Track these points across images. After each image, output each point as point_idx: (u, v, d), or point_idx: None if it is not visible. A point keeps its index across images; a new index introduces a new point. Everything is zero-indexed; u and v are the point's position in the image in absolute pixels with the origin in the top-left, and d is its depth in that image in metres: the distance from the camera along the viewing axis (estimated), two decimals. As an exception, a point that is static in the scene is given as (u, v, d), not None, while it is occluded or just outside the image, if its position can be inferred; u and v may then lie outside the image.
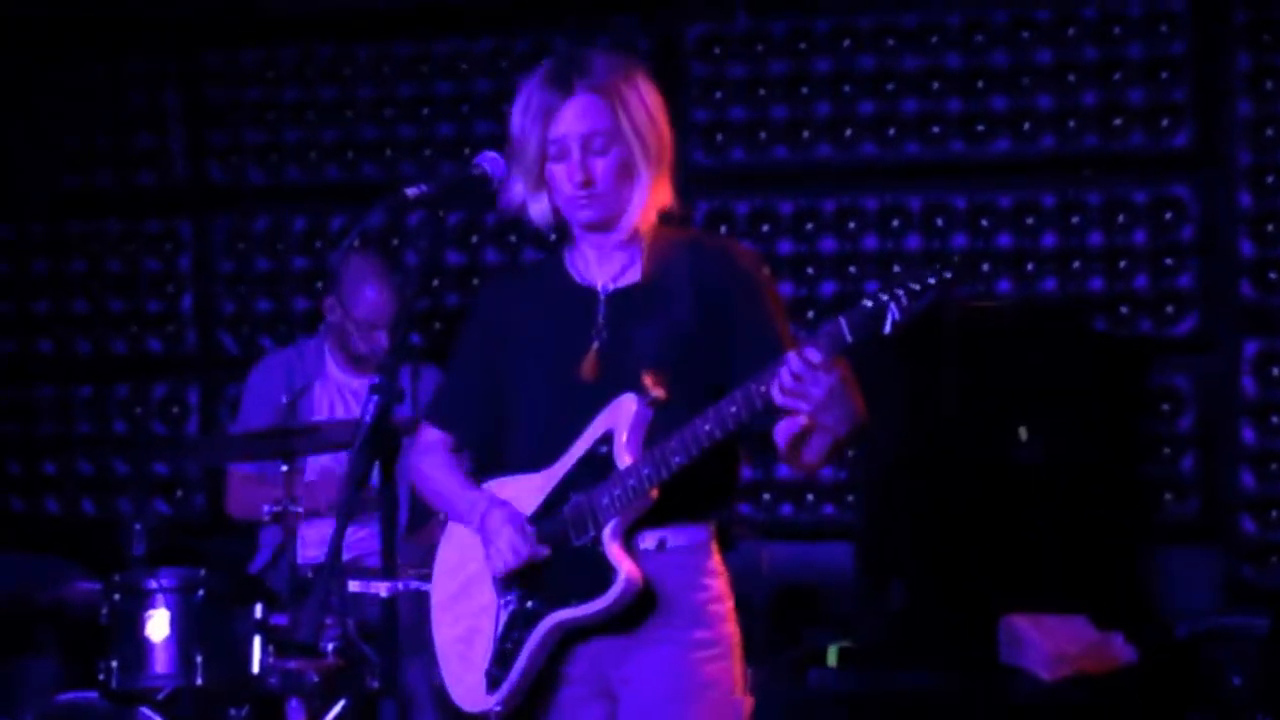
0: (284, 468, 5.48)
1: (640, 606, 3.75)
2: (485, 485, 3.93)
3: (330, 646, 5.35)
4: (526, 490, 3.86)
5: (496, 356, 3.93)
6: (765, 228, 6.82)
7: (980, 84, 6.67)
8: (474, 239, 7.03)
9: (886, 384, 6.07)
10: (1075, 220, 6.60)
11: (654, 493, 3.68)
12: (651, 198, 3.82)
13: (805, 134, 6.82)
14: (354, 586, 5.21)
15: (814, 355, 3.42)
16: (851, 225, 6.77)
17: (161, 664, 5.40)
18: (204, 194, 7.35)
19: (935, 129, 6.71)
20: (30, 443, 7.43)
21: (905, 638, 5.82)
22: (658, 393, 3.71)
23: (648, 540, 3.78)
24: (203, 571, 5.51)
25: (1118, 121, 6.57)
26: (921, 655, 5.72)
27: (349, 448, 4.54)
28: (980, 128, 6.68)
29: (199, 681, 5.37)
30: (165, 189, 7.37)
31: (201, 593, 5.42)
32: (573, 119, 3.77)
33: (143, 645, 5.41)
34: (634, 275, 3.87)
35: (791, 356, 3.44)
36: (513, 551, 3.78)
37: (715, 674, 3.80)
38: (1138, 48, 6.54)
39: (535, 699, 3.85)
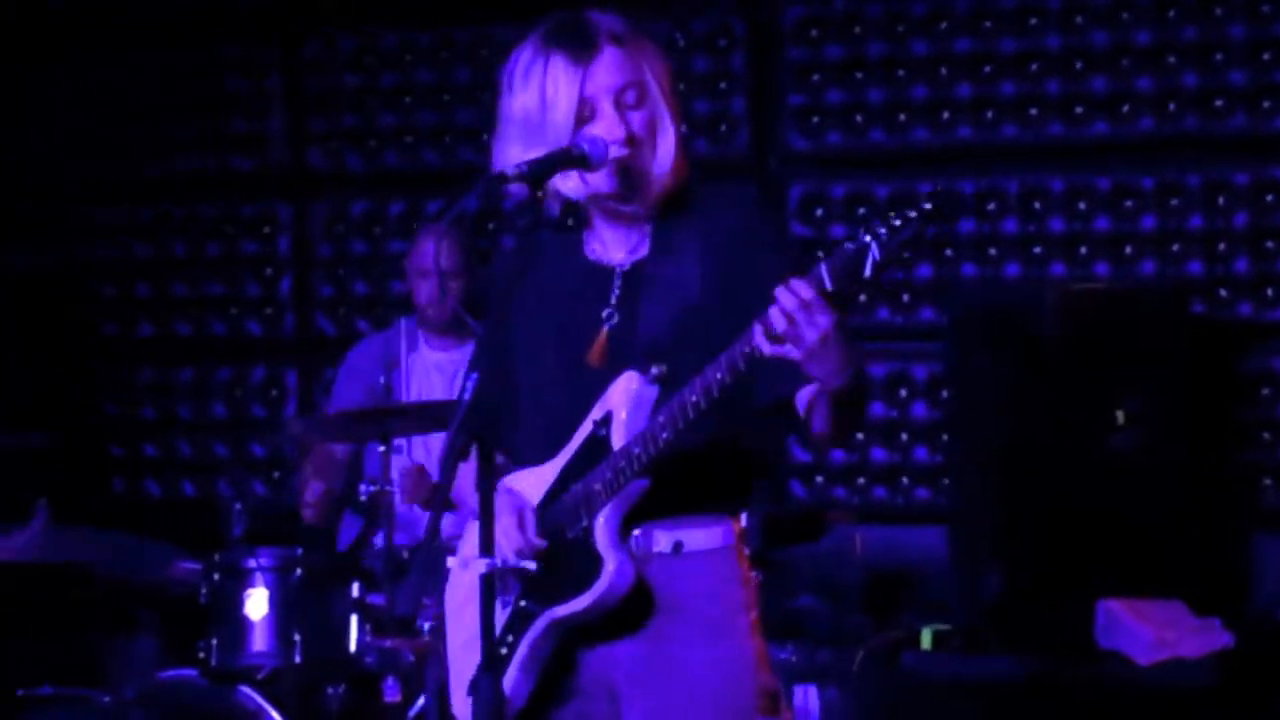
0: (381, 448, 5.52)
1: (642, 606, 3.52)
2: (502, 481, 3.59)
3: (426, 625, 5.38)
4: (535, 482, 3.61)
5: (508, 342, 3.68)
6: (861, 211, 6.80)
7: (1079, 65, 6.62)
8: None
9: (983, 366, 6.06)
10: (1175, 203, 6.55)
11: (645, 476, 3.43)
12: (678, 161, 3.57)
13: (902, 117, 6.80)
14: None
15: (805, 290, 3.15)
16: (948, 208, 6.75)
17: (260, 642, 5.45)
18: (303, 178, 7.41)
19: (1033, 111, 6.67)
20: (132, 425, 7.51)
21: (1000, 621, 5.79)
22: (660, 368, 3.47)
23: (662, 542, 3.53)
24: (300, 551, 5.56)
25: (1219, 103, 6.50)
26: (1017, 639, 5.69)
27: (445, 427, 4.58)
28: (1079, 110, 6.63)
29: (297, 660, 5.42)
30: (264, 173, 7.44)
31: (299, 572, 5.47)
32: (604, 74, 3.53)
33: (242, 624, 5.47)
34: (643, 250, 3.62)
35: (781, 292, 3.16)
36: (505, 538, 3.48)
37: (730, 693, 3.52)
38: (1240, 29, 6.47)
39: (542, 710, 3.58)
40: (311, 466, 6.20)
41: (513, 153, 3.55)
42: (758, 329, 3.23)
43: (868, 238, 3.11)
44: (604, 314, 3.60)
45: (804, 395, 3.46)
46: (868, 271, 3.11)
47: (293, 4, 7.34)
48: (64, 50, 7.34)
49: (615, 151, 3.52)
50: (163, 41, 7.39)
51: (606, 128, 3.52)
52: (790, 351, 3.20)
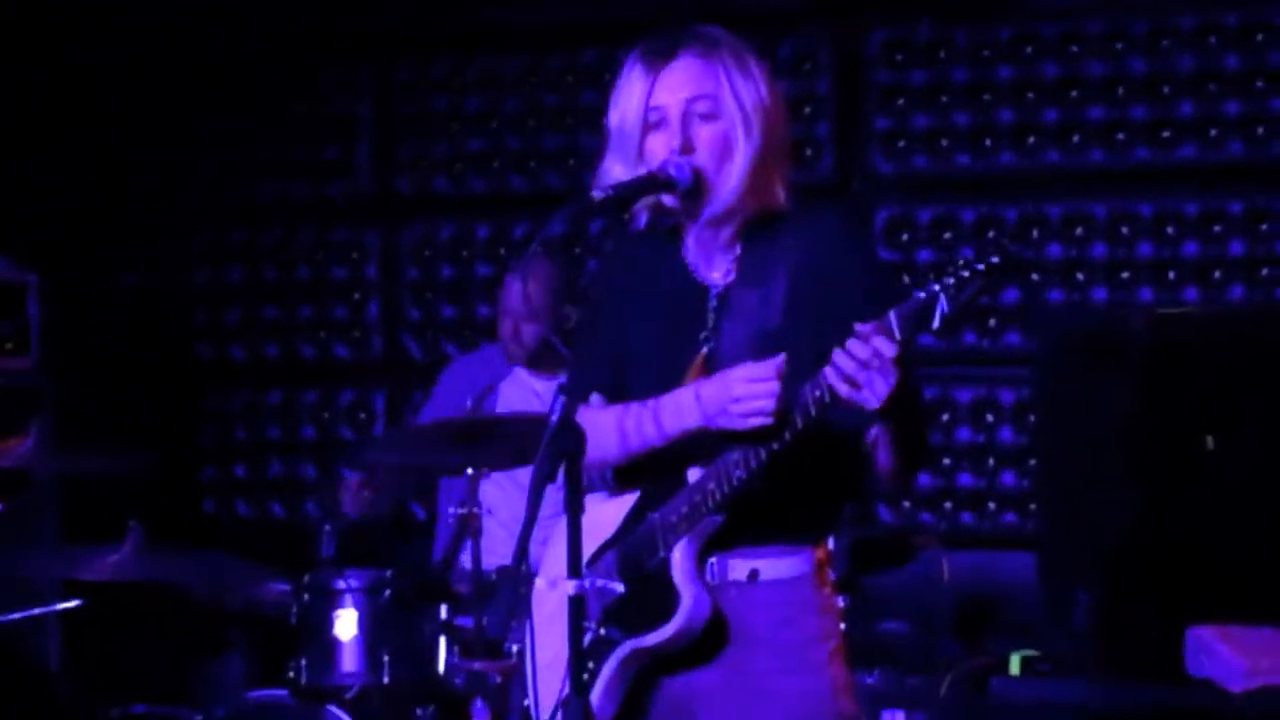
0: (469, 470, 5.54)
1: (719, 635, 3.52)
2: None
3: (514, 648, 5.40)
4: (615, 508, 3.63)
5: (615, 349, 3.66)
6: (947, 235, 6.79)
7: (1166, 90, 6.59)
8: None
9: (1070, 391, 6.03)
10: (1264, 227, 6.52)
11: (721, 511, 3.44)
12: (750, 183, 3.50)
13: (988, 141, 6.79)
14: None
15: (877, 340, 3.17)
16: (1035, 233, 6.72)
17: (349, 663, 5.50)
18: (391, 203, 7.46)
19: (1120, 135, 6.65)
20: (223, 447, 7.58)
21: (1089, 647, 5.76)
22: None
23: (738, 570, 3.52)
24: (389, 572, 5.60)
25: (1308, 128, 6.48)
26: (1106, 665, 5.66)
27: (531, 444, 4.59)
28: (1165, 134, 6.60)
29: (385, 680, 5.46)
30: (353, 198, 7.49)
31: (388, 593, 5.52)
32: (675, 82, 3.50)
33: (331, 644, 5.51)
34: (733, 274, 3.59)
35: (853, 342, 3.19)
36: (763, 393, 3.36)
37: None
38: (1334, 54, 6.46)
39: None
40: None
41: (608, 164, 3.57)
42: (828, 374, 3.24)
43: (937, 288, 3.13)
44: (700, 336, 3.58)
45: (870, 434, 3.46)
46: (936, 323, 3.14)
47: (383, 30, 7.39)
48: (158, 80, 7.42)
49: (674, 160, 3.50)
50: (252, 67, 7.45)
51: (666, 136, 3.52)
52: (857, 397, 3.22)
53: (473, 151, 7.32)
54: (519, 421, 5.60)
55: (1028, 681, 5.69)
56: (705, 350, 3.57)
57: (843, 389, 3.23)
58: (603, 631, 3.58)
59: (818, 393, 3.29)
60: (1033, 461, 6.64)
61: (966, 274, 3.11)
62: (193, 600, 6.31)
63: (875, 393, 3.21)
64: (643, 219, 3.62)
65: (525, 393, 6.20)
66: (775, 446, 3.37)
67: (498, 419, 5.81)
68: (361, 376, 7.48)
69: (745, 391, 3.38)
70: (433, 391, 6.44)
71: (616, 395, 3.66)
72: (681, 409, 3.48)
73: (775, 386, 3.36)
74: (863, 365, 3.19)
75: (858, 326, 3.20)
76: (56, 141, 7.29)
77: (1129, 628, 5.74)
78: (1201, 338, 6.02)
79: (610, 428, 3.57)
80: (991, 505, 6.77)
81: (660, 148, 3.52)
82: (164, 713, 5.76)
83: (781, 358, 3.37)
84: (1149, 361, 5.92)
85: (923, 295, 3.14)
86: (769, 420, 3.36)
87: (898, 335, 3.16)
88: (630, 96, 3.56)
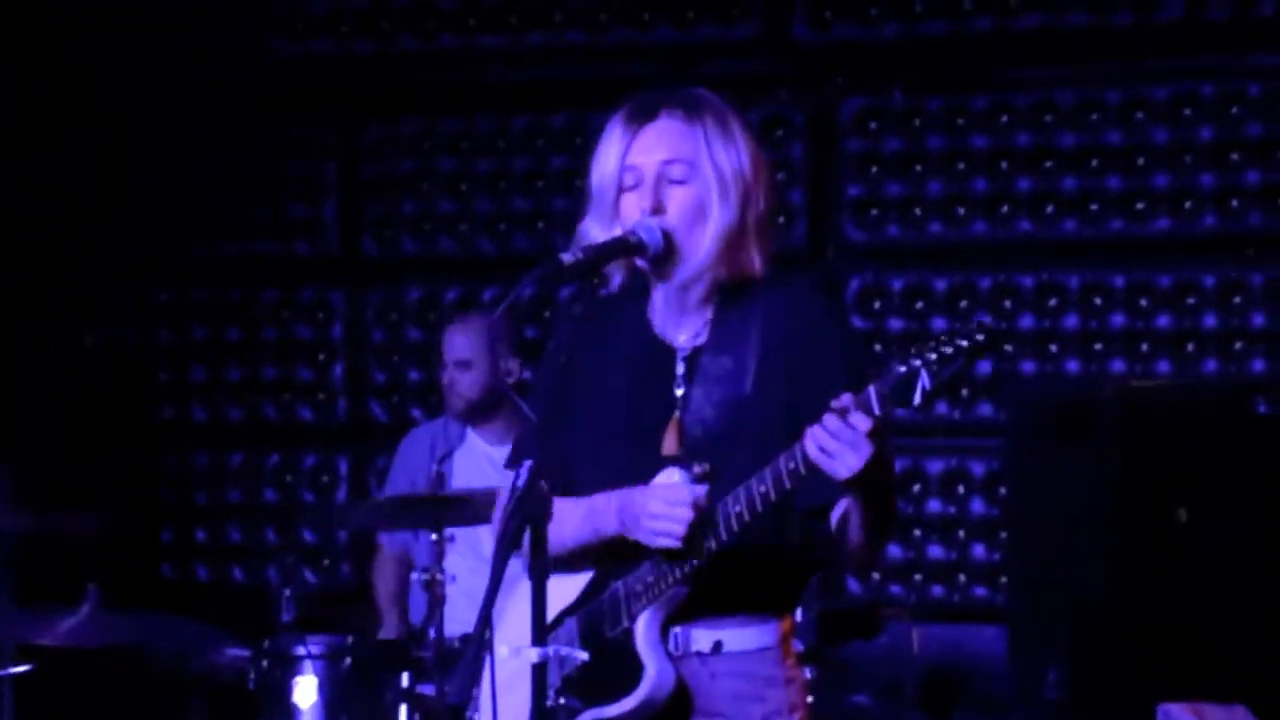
0: (432, 536, 5.50)
1: (682, 710, 3.46)
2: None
3: (476, 716, 5.32)
4: (578, 576, 3.59)
5: (570, 405, 3.57)
6: (919, 304, 6.77)
7: (1140, 161, 6.60)
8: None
9: (1041, 463, 6.00)
10: (1237, 300, 6.51)
11: (687, 583, 3.39)
12: (724, 249, 3.47)
13: (961, 210, 6.79)
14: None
15: (854, 417, 3.13)
16: (1008, 303, 6.71)
17: (308, 730, 5.43)
18: (357, 264, 7.42)
19: (1094, 206, 6.65)
20: (183, 509, 7.50)
21: (1060, 723, 5.73)
22: (703, 466, 3.43)
23: (701, 641, 3.47)
24: (350, 639, 5.54)
25: (1281, 201, 6.49)
26: (1076, 741, 5.62)
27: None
28: (1140, 206, 6.60)
29: (345, 749, 5.39)
30: (319, 259, 7.44)
31: (349, 660, 5.45)
32: (652, 143, 3.49)
33: (290, 711, 5.46)
34: (703, 337, 3.54)
35: (829, 417, 3.15)
36: (676, 517, 3.35)
37: None
38: (1311, 126, 6.47)
39: None
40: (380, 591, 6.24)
41: (587, 224, 3.56)
42: (803, 447, 3.21)
43: (919, 363, 3.08)
44: (670, 400, 3.53)
45: (837, 510, 3.42)
46: (917, 399, 3.10)
47: (352, 90, 7.37)
48: (123, 135, 7.38)
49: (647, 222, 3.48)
50: (220, 126, 7.42)
51: (637, 197, 3.49)
52: (829, 468, 3.19)
53: (441, 213, 7.29)
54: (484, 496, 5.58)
55: (997, 756, 5.66)
56: (677, 415, 3.52)
57: (815, 456, 3.19)
58: (562, 700, 3.52)
59: (792, 464, 3.25)
60: (1003, 534, 6.60)
61: (950, 350, 3.08)
62: (150, 665, 6.23)
63: (847, 464, 3.18)
64: (616, 281, 3.60)
65: (479, 460, 6.15)
66: (746, 517, 3.32)
67: (463, 495, 5.77)
68: (325, 440, 7.42)
69: (660, 511, 3.39)
70: (393, 462, 6.39)
71: (581, 458, 3.60)
72: (605, 512, 3.49)
73: (688, 515, 3.36)
74: (838, 438, 3.16)
75: (834, 402, 3.17)
76: (56, 143, 7.21)
77: (1099, 702, 5.71)
78: (1174, 410, 6.01)
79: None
80: (962, 578, 6.73)
81: (633, 208, 3.50)
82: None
83: (704, 490, 3.38)
84: (1121, 434, 5.90)
85: (903, 370, 3.10)
86: (676, 544, 3.37)
87: (876, 411, 3.13)
88: (608, 156, 3.54)
